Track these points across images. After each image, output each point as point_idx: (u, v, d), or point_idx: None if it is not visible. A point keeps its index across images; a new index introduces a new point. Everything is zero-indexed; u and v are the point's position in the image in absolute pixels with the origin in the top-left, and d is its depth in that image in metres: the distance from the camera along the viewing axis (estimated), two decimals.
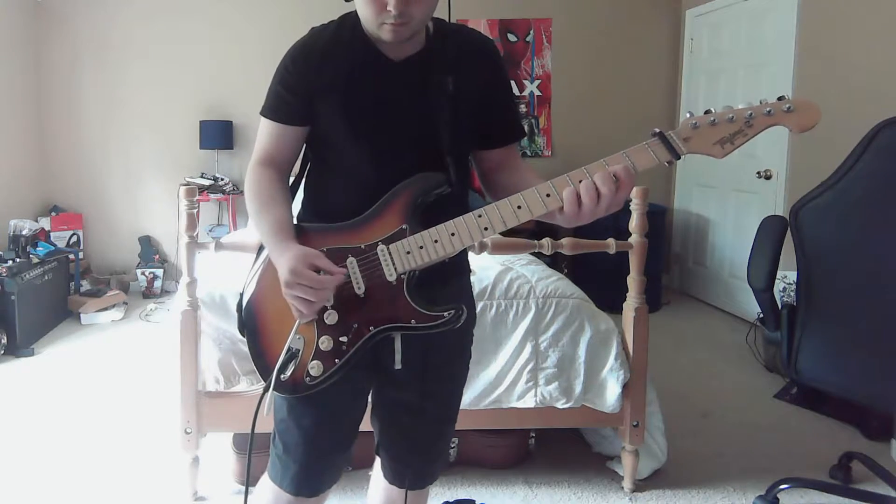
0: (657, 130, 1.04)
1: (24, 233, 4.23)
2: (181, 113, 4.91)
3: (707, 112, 1.03)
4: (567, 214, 1.04)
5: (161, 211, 4.97)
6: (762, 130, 1.02)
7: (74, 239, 4.76)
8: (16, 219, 4.33)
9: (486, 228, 1.09)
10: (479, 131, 1.26)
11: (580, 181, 1.03)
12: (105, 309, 4.22)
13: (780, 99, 1.01)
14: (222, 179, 4.80)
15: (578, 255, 2.17)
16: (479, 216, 1.09)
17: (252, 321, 1.20)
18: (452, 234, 1.10)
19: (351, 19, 1.20)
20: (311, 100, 1.20)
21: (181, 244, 2.05)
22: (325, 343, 1.13)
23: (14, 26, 4.56)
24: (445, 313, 1.12)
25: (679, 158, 1.03)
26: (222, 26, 4.89)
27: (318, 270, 1.09)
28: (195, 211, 2.06)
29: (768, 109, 1.01)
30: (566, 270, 3.97)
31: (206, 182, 4.71)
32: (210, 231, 4.89)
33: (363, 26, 1.17)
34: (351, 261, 1.14)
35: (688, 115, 1.04)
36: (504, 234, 1.30)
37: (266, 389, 1.15)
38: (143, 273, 4.80)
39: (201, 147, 4.79)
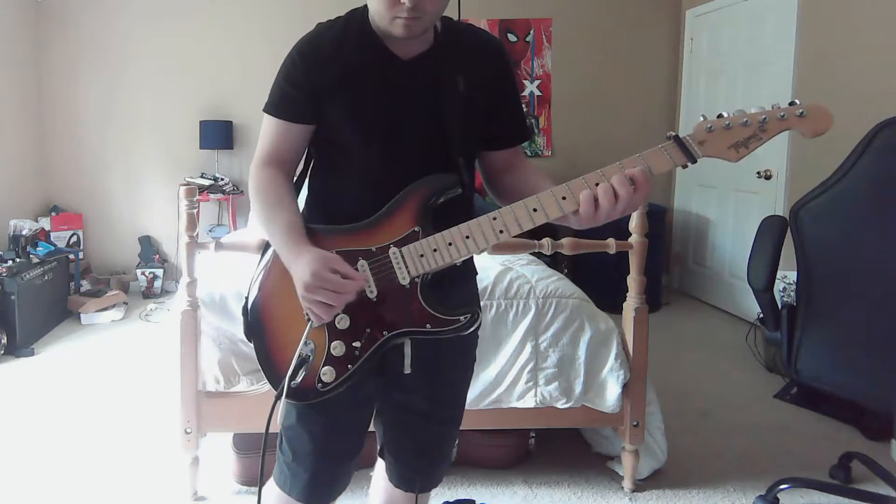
0: (673, 134, 1.03)
1: (24, 233, 4.23)
2: (181, 113, 4.90)
3: (720, 116, 1.02)
4: (583, 217, 1.03)
5: (161, 211, 4.97)
6: (776, 134, 1.02)
7: (74, 239, 4.76)
8: (16, 219, 4.33)
9: (501, 231, 1.07)
10: (487, 132, 1.24)
11: (597, 184, 1.02)
12: (105, 309, 4.22)
13: (791, 104, 1.01)
14: (222, 179, 4.79)
15: (578, 255, 2.17)
16: (494, 218, 1.07)
17: (259, 325, 1.17)
18: (467, 237, 1.08)
19: (359, 15, 1.17)
20: (317, 98, 1.16)
21: (181, 244, 2.05)
22: (338, 348, 1.11)
23: (14, 26, 4.56)
24: (462, 317, 1.10)
25: (695, 162, 1.02)
26: (222, 26, 4.89)
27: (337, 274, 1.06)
28: (195, 211, 2.06)
29: (782, 114, 1.01)
30: (566, 270, 3.97)
31: (206, 182, 4.70)
32: (210, 231, 4.89)
33: (372, 22, 1.14)
34: (362, 264, 1.10)
35: (702, 118, 1.03)
36: None
37: (278, 397, 1.12)
38: (143, 273, 4.80)
39: (201, 147, 4.79)
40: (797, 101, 1.01)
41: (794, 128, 1.01)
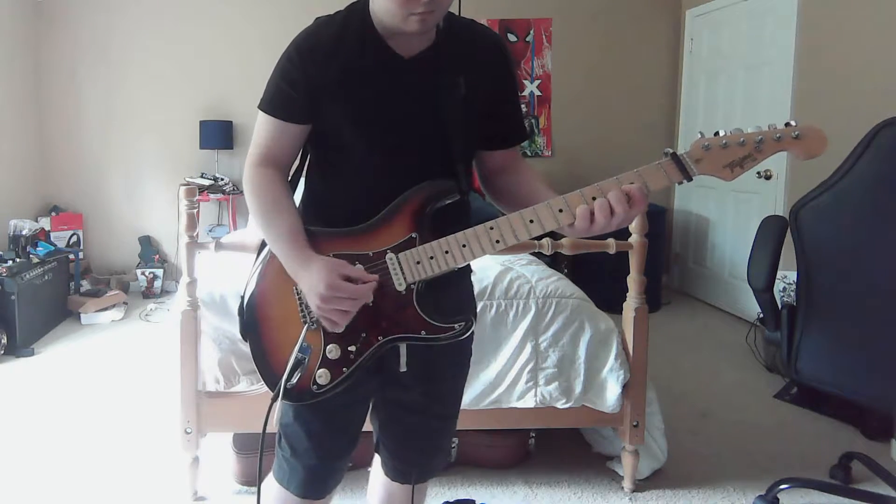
0: (670, 151, 1.04)
1: (24, 233, 4.23)
2: (181, 113, 4.90)
3: (717, 134, 1.04)
4: (578, 229, 1.04)
5: (161, 211, 4.97)
6: (771, 155, 1.04)
7: (74, 239, 4.76)
8: (16, 219, 4.33)
9: (497, 241, 1.08)
10: (486, 132, 1.23)
11: (593, 198, 1.03)
12: (105, 309, 4.22)
13: (787, 125, 1.02)
14: (222, 179, 4.79)
15: (578, 255, 2.17)
16: (491, 228, 1.07)
17: (254, 325, 1.17)
18: (464, 246, 1.08)
19: (359, 11, 1.14)
20: (315, 96, 1.13)
21: (181, 244, 2.05)
22: (333, 352, 1.11)
23: (14, 27, 4.56)
24: (456, 325, 1.11)
25: (690, 180, 1.03)
26: (222, 26, 4.89)
27: (348, 280, 1.07)
28: (195, 211, 2.06)
29: (778, 135, 1.02)
30: (566, 270, 3.97)
31: (206, 182, 4.70)
32: (210, 231, 4.89)
33: (374, 18, 1.11)
34: (358, 268, 1.10)
35: (699, 135, 1.04)
36: None
37: (274, 399, 1.13)
38: (143, 273, 4.80)
39: (201, 147, 4.79)
40: (793, 122, 1.02)
41: (788, 149, 1.03)
